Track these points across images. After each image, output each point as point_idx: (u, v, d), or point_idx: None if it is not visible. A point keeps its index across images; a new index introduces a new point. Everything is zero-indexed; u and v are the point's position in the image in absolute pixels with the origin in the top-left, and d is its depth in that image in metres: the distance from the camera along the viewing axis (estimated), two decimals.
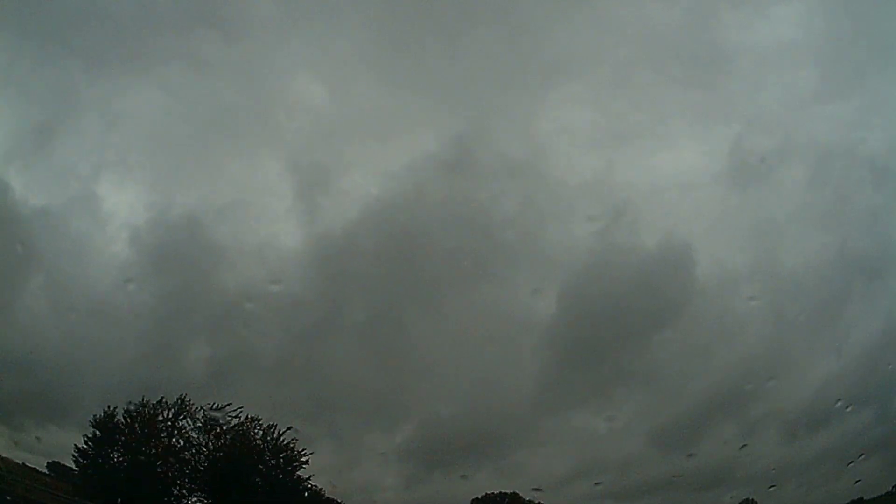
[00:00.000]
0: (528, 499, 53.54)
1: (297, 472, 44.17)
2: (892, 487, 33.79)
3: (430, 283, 57.35)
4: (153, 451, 38.72)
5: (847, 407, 33.01)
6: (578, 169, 67.53)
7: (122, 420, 38.68)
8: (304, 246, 57.93)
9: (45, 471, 39.14)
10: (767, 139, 58.61)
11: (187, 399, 40.66)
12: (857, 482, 31.52)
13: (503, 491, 55.24)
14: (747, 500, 37.37)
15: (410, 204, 59.23)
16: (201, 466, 40.67)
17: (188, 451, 40.57)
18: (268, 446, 43.62)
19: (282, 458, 43.86)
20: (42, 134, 58.02)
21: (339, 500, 47.47)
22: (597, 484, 32.01)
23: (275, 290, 49.64)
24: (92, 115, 63.88)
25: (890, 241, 45.77)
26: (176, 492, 39.70)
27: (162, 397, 39.68)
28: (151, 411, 39.48)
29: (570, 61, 68.33)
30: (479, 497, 54.94)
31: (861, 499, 32.65)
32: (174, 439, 40.19)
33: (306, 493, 45.74)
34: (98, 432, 38.21)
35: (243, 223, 60.53)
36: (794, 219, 51.44)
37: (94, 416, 38.54)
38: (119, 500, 36.71)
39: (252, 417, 42.77)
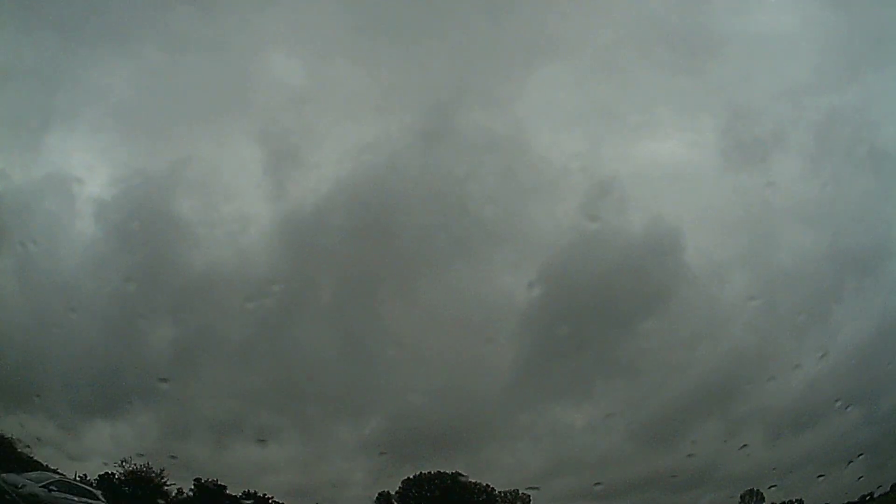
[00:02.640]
0: (474, 481, 51.98)
1: None
2: (890, 487, 33.50)
3: (403, 263, 55.50)
4: None
5: (847, 406, 32.41)
6: (562, 149, 65.74)
7: None
8: (271, 222, 55.64)
9: None
10: (758, 128, 57.71)
11: None
12: (860, 478, 31.03)
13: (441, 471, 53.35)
14: (751, 490, 36.88)
15: (383, 176, 56.98)
16: None
17: None
18: None
19: None
20: (7, 104, 54.34)
21: None
22: (597, 484, 30.81)
23: (239, 270, 47.69)
24: (58, 85, 60.04)
25: (886, 235, 45.25)
26: None
27: None
28: None
29: (556, 40, 66.51)
30: (411, 477, 53.30)
31: (871, 494, 32.10)
32: None
33: None
34: None
35: (210, 198, 58.02)
36: (787, 209, 50.62)
37: None
38: None
39: None
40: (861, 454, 31.19)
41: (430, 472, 52.95)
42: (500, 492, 53.29)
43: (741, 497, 37.58)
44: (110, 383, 42.16)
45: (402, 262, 55.54)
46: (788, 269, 46.82)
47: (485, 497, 53.91)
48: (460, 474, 51.22)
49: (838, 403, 32.45)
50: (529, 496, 53.03)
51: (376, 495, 52.35)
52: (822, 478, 32.49)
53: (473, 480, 51.93)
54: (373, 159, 58.47)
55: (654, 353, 47.10)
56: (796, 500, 34.30)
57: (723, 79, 62.23)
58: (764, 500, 36.44)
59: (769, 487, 32.36)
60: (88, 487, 37.34)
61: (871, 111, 52.68)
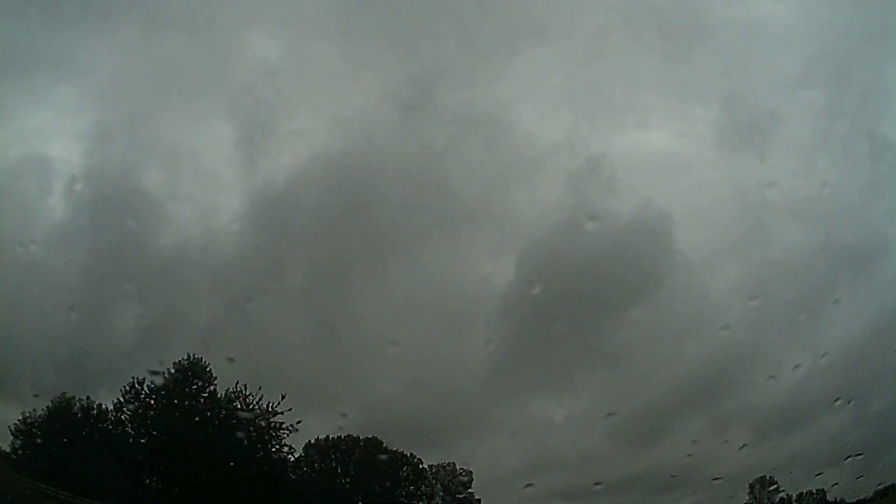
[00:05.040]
0: (395, 448, 48.93)
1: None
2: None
3: (378, 244, 54.27)
4: None
5: (848, 402, 31.77)
6: (548, 131, 65.00)
7: None
8: (242, 200, 54.10)
9: None
10: (752, 119, 57.49)
11: None
12: (859, 477, 30.58)
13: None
14: (762, 477, 36.18)
15: (360, 150, 55.52)
16: None
17: None
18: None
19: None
20: None
21: None
22: (596, 485, 29.70)
23: (209, 249, 46.24)
24: (32, 62, 57.48)
25: (882, 231, 45.07)
26: None
27: None
28: None
29: (544, 21, 65.30)
30: (311, 441, 50.09)
31: (892, 485, 31.73)
32: None
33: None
34: None
35: (180, 174, 56.28)
36: (781, 202, 50.27)
37: None
38: None
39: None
40: (860, 454, 30.74)
41: (338, 437, 49.78)
42: (431, 465, 50.81)
43: (750, 486, 36.88)
44: (79, 372, 40.46)
45: (379, 245, 54.17)
46: (782, 263, 46.60)
47: (409, 469, 51.39)
48: (379, 441, 48.01)
49: (838, 402, 31.86)
50: (471, 472, 50.84)
51: None
52: (819, 475, 32.20)
53: (396, 448, 49.07)
54: (350, 134, 56.90)
55: (646, 347, 46.51)
56: (816, 491, 33.95)
57: (716, 67, 61.90)
58: (779, 491, 35.56)
59: (770, 487, 31.82)
60: None
61: (869, 104, 52.67)
